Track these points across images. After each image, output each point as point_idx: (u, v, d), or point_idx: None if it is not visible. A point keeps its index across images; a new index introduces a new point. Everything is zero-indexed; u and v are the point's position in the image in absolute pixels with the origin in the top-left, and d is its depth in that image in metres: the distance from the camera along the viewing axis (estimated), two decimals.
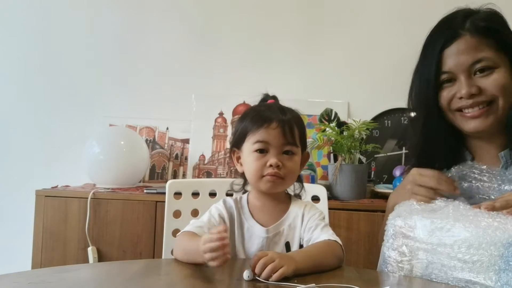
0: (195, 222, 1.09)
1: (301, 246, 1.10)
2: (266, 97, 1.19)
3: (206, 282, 0.88)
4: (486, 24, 1.08)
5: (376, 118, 2.15)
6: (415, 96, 1.18)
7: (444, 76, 1.10)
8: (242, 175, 1.14)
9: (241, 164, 1.12)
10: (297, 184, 1.17)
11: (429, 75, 1.11)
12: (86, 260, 1.78)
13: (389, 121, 2.19)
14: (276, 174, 1.05)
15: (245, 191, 1.18)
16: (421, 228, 0.97)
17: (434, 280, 0.94)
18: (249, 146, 1.08)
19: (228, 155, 2.20)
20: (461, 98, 1.08)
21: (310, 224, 1.09)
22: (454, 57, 1.07)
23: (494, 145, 1.13)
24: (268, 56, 2.29)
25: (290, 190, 1.17)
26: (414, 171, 1.09)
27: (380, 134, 2.17)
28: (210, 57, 2.31)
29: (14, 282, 0.85)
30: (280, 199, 1.13)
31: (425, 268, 0.95)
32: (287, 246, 1.09)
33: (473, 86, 1.06)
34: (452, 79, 1.10)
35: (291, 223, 1.10)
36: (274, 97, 1.19)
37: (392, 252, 1.01)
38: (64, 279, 0.90)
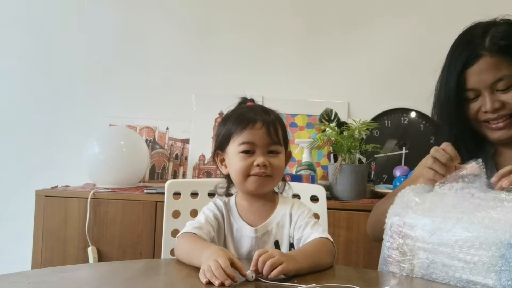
0: (193, 223, 1.09)
1: (291, 244, 1.10)
2: (244, 100, 1.20)
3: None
4: (505, 43, 1.14)
5: (376, 118, 2.15)
6: (439, 108, 1.25)
7: (468, 93, 1.18)
8: (227, 177, 1.16)
9: (225, 166, 1.13)
10: (280, 182, 1.18)
11: (453, 92, 1.19)
12: (86, 260, 1.78)
13: (389, 121, 2.19)
14: (263, 174, 1.07)
15: (228, 194, 1.19)
16: (422, 227, 0.97)
17: (435, 280, 0.93)
18: (234, 148, 1.08)
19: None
20: (486, 112, 1.16)
21: (299, 223, 1.10)
22: (477, 76, 1.15)
23: None
24: (268, 56, 2.29)
25: (275, 188, 1.18)
26: (434, 148, 1.10)
27: (380, 134, 2.17)
28: (210, 57, 2.31)
29: (14, 282, 0.85)
30: (267, 198, 1.14)
31: (426, 268, 0.95)
32: (277, 244, 1.09)
33: (496, 101, 1.15)
34: (476, 95, 1.17)
35: (279, 221, 1.11)
36: (252, 100, 1.20)
37: (392, 251, 1.01)
38: (64, 279, 0.90)
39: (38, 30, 2.39)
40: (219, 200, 1.16)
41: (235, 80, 2.27)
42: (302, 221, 1.09)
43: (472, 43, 1.16)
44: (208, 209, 1.13)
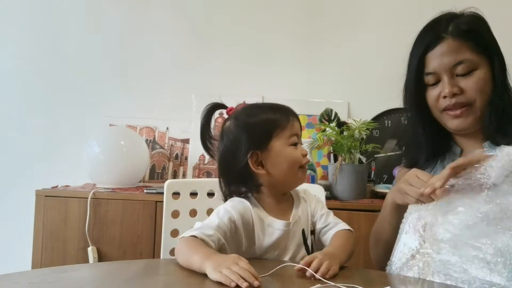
0: (203, 227, 1.02)
1: (312, 232, 1.14)
2: (216, 105, 1.19)
3: (205, 282, 0.88)
4: (468, 27, 1.16)
5: (376, 118, 2.15)
6: (405, 96, 1.28)
7: (429, 78, 1.18)
8: (257, 179, 1.09)
9: (262, 167, 1.08)
10: None
11: (415, 77, 1.20)
12: (86, 260, 1.78)
13: (389, 121, 2.19)
14: (307, 163, 1.11)
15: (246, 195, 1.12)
16: (443, 225, 0.95)
17: (453, 278, 0.92)
18: (283, 141, 1.08)
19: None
20: (445, 97, 1.16)
21: (320, 211, 1.15)
22: (437, 59, 1.16)
23: (478, 140, 1.21)
24: (268, 56, 2.29)
25: None
26: (413, 171, 1.10)
27: (380, 134, 2.17)
28: (210, 57, 2.31)
29: (14, 282, 0.85)
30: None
31: (444, 265, 0.94)
32: (303, 233, 1.11)
33: (455, 86, 1.15)
34: (436, 80, 1.18)
35: (302, 209, 1.14)
36: (226, 106, 1.21)
37: (412, 245, 1.00)
38: (64, 279, 0.90)
39: (38, 30, 2.39)
40: (238, 198, 1.11)
41: (235, 80, 2.28)
42: (322, 210, 1.15)
43: (436, 27, 1.18)
44: (225, 210, 1.07)
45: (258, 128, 1.08)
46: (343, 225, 1.13)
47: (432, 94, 1.19)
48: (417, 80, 1.20)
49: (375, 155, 2.13)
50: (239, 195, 1.11)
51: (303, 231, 1.11)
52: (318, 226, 1.14)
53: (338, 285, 0.86)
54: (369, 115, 2.13)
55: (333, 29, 2.28)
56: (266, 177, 1.09)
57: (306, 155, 1.11)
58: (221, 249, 1.03)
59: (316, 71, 2.27)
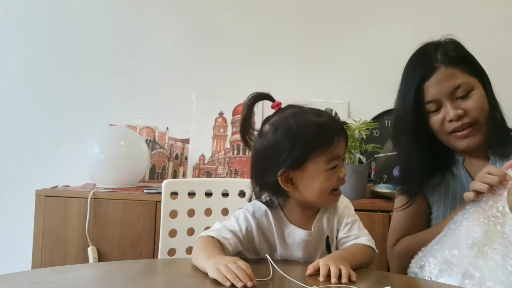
0: (222, 230, 1.04)
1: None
2: (260, 95, 1.20)
3: (205, 282, 0.88)
4: (455, 53, 1.23)
5: (376, 118, 2.15)
6: (398, 125, 1.32)
7: (430, 105, 1.23)
8: (285, 191, 1.05)
9: (291, 184, 1.03)
10: None
11: (412, 106, 1.24)
12: (86, 260, 1.78)
13: (389, 121, 2.18)
14: (342, 184, 1.05)
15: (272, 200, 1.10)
16: None
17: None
18: (320, 165, 1.01)
19: (227, 155, 2.20)
20: (451, 121, 1.21)
21: (346, 220, 1.11)
22: (435, 87, 1.21)
23: (478, 149, 1.26)
24: (268, 56, 2.29)
25: None
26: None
27: (380, 134, 2.17)
28: (210, 57, 2.31)
29: (14, 282, 0.85)
30: None
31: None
32: (327, 240, 1.09)
33: (458, 109, 1.20)
34: (438, 107, 1.23)
35: (329, 215, 1.11)
36: (273, 99, 1.18)
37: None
38: (64, 279, 0.90)
39: (38, 30, 2.39)
40: (260, 205, 1.09)
41: (235, 80, 2.28)
42: (349, 218, 1.11)
43: (426, 58, 1.24)
44: (244, 217, 1.07)
45: (295, 146, 1.00)
46: (365, 240, 1.07)
47: (436, 119, 1.23)
48: (415, 109, 1.24)
49: (375, 155, 2.13)
50: (268, 196, 1.09)
51: (327, 238, 1.09)
52: (340, 235, 1.10)
53: (337, 285, 0.86)
54: (369, 115, 2.12)
55: (333, 29, 2.27)
56: (295, 193, 1.05)
57: (343, 177, 1.04)
58: (239, 254, 1.04)
59: (316, 71, 2.27)
